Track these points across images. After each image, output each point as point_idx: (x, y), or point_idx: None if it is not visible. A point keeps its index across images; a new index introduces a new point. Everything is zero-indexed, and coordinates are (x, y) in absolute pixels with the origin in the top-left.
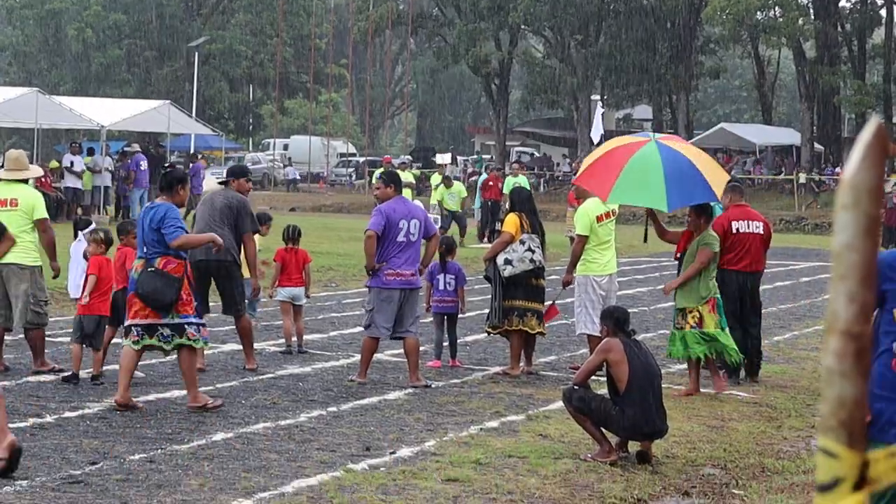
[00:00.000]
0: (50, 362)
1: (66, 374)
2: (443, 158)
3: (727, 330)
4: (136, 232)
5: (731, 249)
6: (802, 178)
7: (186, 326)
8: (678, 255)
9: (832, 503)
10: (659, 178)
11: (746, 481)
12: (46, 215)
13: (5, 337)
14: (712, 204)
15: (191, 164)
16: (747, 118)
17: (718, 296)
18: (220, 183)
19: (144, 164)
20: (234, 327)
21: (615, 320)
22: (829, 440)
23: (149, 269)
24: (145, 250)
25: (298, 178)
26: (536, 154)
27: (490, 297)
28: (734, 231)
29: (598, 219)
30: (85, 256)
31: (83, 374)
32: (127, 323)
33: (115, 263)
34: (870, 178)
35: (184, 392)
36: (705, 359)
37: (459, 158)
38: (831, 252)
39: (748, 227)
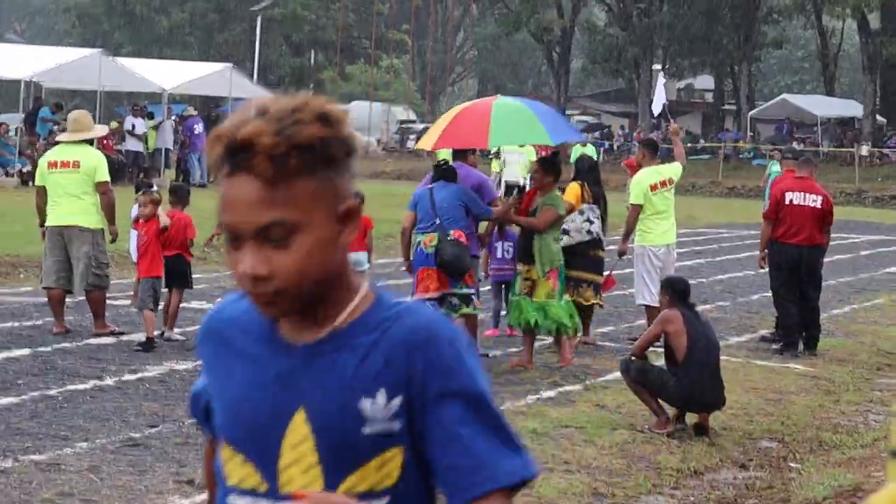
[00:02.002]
0: (110, 325)
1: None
2: None
3: (563, 300)
4: (423, 205)
5: (784, 221)
6: (864, 150)
7: (473, 297)
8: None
9: None
10: (530, 116)
11: (804, 455)
12: (108, 178)
13: (66, 299)
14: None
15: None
16: (809, 89)
17: (562, 264)
18: None
19: (199, 128)
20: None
21: (676, 291)
22: None
23: (448, 238)
24: (437, 222)
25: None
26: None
27: None
28: (787, 202)
29: (653, 188)
30: (136, 220)
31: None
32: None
33: (170, 228)
34: None
35: None
36: (561, 331)
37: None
38: None
39: (803, 200)
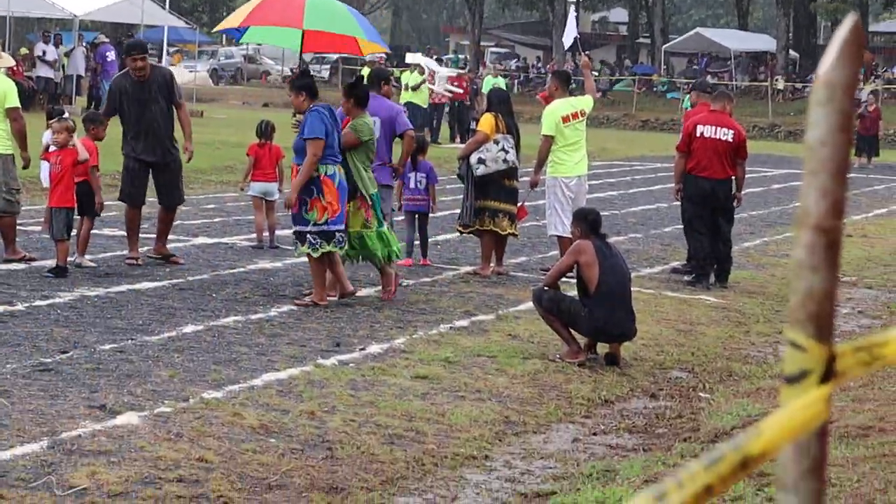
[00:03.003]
0: (21, 251)
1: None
2: (414, 58)
3: (383, 229)
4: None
5: (696, 154)
6: (780, 83)
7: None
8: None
9: (799, 395)
10: (344, 10)
11: (713, 385)
12: (18, 104)
13: None
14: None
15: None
16: (723, 23)
17: (374, 192)
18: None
19: (112, 56)
20: (206, 220)
21: (588, 222)
22: (798, 333)
23: None
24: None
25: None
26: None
27: (462, 196)
28: (698, 135)
29: (565, 119)
30: (47, 148)
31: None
32: None
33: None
34: (845, 74)
35: (153, 284)
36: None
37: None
38: (804, 147)
39: (715, 133)
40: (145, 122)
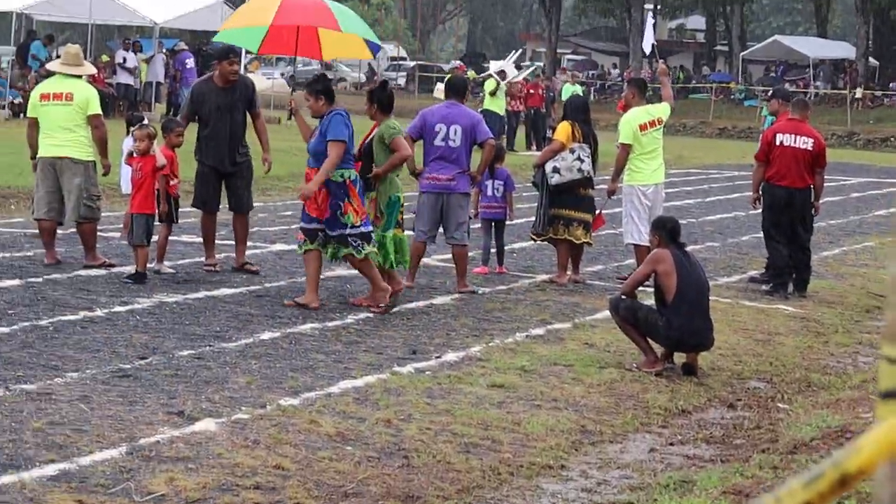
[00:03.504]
0: (101, 257)
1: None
2: (495, 66)
3: (387, 234)
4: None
5: (775, 163)
6: (859, 92)
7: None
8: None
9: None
10: (355, 15)
11: (792, 395)
12: (100, 111)
13: (58, 231)
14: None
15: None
16: (802, 31)
17: (397, 195)
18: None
19: (191, 63)
20: (284, 227)
21: (667, 231)
22: (895, 348)
23: None
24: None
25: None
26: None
27: (536, 204)
28: (778, 143)
29: (642, 127)
30: (130, 154)
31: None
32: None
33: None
34: None
35: (231, 290)
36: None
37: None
38: None
39: (794, 142)
40: (222, 129)
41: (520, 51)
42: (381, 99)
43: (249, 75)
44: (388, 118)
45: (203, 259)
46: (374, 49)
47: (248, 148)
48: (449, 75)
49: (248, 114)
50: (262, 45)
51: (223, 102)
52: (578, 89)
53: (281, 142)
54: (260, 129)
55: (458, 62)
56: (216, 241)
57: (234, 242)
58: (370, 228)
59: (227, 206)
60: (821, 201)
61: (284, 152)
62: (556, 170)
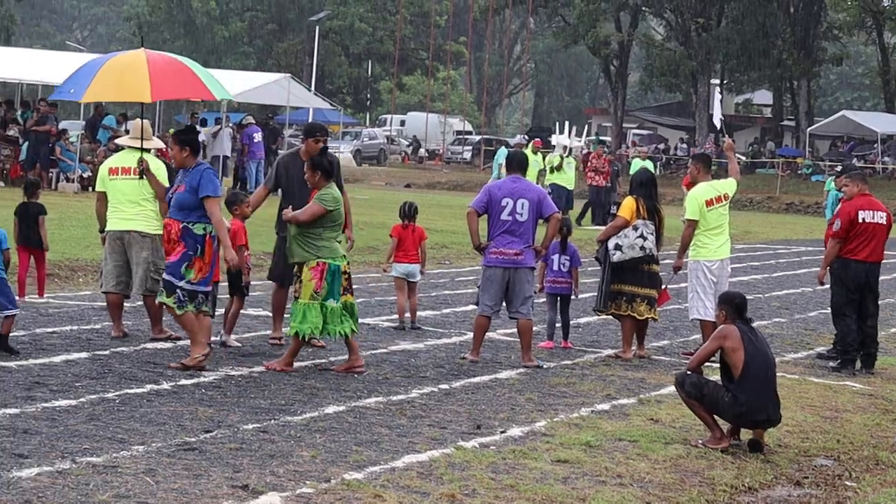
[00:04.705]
0: (167, 330)
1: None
2: (558, 140)
3: (336, 303)
4: None
5: (854, 239)
6: None
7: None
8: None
9: None
10: (207, 72)
11: (860, 473)
12: (167, 184)
13: (125, 304)
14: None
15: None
16: (870, 106)
17: (335, 262)
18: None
19: (258, 137)
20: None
21: (734, 306)
22: None
23: None
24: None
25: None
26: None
27: (599, 279)
28: (860, 220)
29: (708, 203)
30: None
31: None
32: None
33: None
34: None
35: (296, 364)
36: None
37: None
38: None
39: (873, 218)
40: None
41: (573, 127)
42: (324, 166)
43: None
44: (330, 183)
45: (269, 332)
46: (221, 97)
47: None
48: (511, 150)
49: None
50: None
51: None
52: (649, 164)
53: (356, 216)
54: (344, 205)
55: (524, 136)
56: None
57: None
58: (203, 289)
59: None
60: (885, 276)
61: (367, 225)
62: (618, 247)
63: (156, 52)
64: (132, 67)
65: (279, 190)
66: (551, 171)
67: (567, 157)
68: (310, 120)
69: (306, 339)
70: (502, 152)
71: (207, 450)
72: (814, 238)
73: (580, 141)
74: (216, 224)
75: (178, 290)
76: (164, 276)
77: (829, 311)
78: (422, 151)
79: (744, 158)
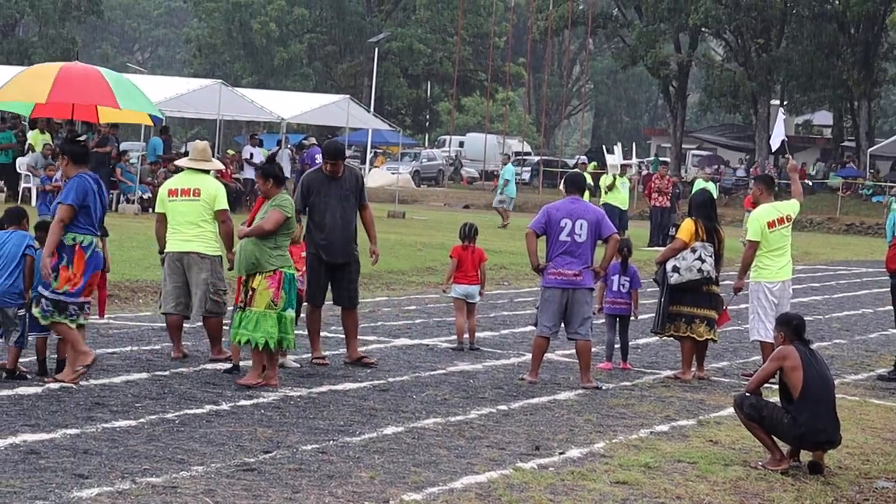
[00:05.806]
0: (227, 350)
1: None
2: (611, 159)
3: (291, 312)
4: None
5: None
6: None
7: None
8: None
9: None
10: (135, 88)
11: None
12: (227, 206)
13: (184, 325)
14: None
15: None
16: None
17: (290, 271)
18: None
19: (320, 158)
20: (407, 321)
21: (792, 328)
22: None
23: None
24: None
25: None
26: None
27: (657, 301)
28: None
29: (770, 224)
30: None
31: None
32: None
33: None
34: None
35: (354, 385)
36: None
37: (635, 160)
38: None
39: None
40: (333, 219)
41: (627, 147)
42: (275, 173)
43: (375, 170)
44: (282, 191)
45: (309, 354)
46: (156, 121)
47: (357, 245)
48: (569, 171)
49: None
50: (35, 111)
51: (333, 192)
52: (712, 186)
53: (406, 236)
54: (368, 220)
55: (583, 157)
56: (322, 335)
57: (344, 337)
58: (72, 300)
59: (334, 301)
60: None
61: (409, 246)
62: (675, 269)
63: (85, 65)
64: (43, 74)
65: (307, 208)
66: (604, 191)
67: (621, 177)
68: (368, 141)
69: (270, 349)
70: (509, 169)
71: (266, 470)
72: (874, 259)
73: (630, 161)
74: (52, 227)
75: (42, 300)
76: (37, 287)
77: (889, 332)
78: (464, 171)
79: (809, 183)
